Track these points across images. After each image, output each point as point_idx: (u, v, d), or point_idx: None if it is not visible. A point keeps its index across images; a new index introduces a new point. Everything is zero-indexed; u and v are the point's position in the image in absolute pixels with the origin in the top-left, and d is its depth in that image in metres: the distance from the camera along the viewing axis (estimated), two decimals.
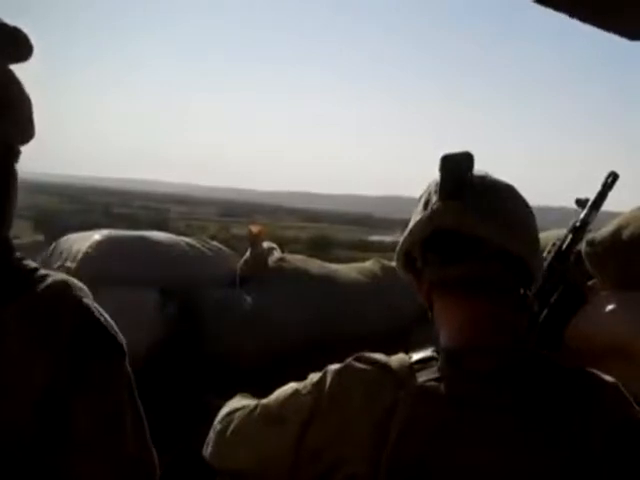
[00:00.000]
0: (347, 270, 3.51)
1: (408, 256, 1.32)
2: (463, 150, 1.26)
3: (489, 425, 1.18)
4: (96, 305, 1.26)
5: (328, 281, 3.37)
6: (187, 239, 3.40)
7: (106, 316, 1.26)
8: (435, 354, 1.26)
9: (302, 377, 1.37)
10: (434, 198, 1.25)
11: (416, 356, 1.27)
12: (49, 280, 1.23)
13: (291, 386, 1.34)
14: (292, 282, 3.30)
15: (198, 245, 3.35)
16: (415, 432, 1.18)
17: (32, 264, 1.27)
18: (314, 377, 1.31)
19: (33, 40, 1.23)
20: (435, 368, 1.23)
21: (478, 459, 1.17)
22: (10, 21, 1.25)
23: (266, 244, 3.45)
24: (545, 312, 2.23)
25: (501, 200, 1.27)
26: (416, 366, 1.25)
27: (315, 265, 3.45)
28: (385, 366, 1.25)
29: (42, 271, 1.25)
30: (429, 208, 1.25)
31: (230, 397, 1.52)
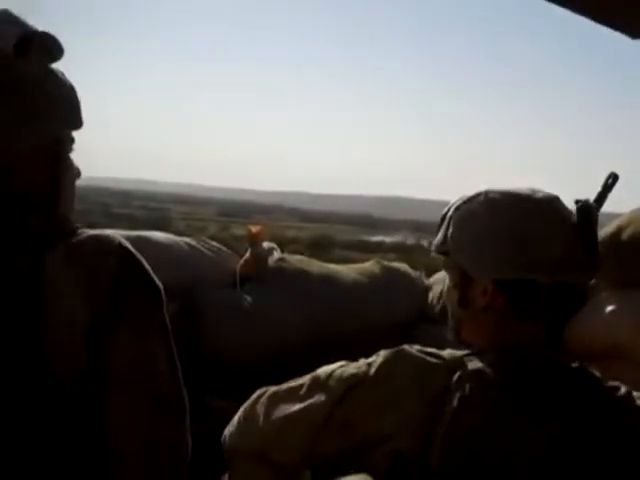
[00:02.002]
0: (347, 270, 3.51)
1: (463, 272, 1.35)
2: (587, 199, 1.34)
3: (538, 411, 1.23)
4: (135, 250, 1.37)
5: (328, 281, 3.37)
6: (187, 239, 3.40)
7: (145, 262, 1.38)
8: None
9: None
10: (557, 248, 1.28)
11: (461, 352, 1.31)
12: (91, 231, 1.38)
13: (341, 363, 1.35)
14: (292, 282, 3.29)
15: (198, 245, 3.35)
16: (471, 410, 1.21)
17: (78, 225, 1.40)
18: (363, 359, 1.33)
19: None
20: (478, 361, 1.27)
21: (529, 440, 1.21)
22: None
23: (266, 244, 3.44)
24: None
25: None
26: (465, 358, 1.29)
27: (315, 265, 3.45)
28: (439, 356, 1.29)
29: (85, 229, 1.38)
30: (550, 261, 1.27)
31: (230, 397, 1.51)
